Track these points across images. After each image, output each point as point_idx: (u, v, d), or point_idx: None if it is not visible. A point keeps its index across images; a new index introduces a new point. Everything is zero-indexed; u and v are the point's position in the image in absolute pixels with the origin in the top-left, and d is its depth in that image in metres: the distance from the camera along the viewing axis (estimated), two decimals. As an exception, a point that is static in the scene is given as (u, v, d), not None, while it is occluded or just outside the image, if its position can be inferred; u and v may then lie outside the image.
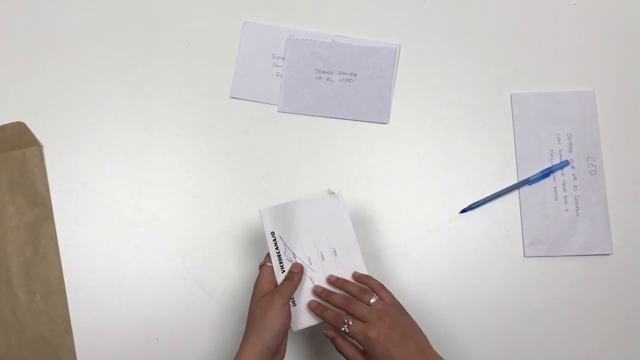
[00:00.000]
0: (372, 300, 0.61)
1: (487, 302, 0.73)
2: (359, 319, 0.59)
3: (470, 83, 0.79)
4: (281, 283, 0.63)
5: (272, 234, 0.66)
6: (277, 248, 0.65)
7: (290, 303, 0.63)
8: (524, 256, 0.74)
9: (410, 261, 0.74)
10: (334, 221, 0.66)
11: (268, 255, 0.65)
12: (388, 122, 0.78)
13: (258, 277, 0.64)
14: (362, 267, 0.65)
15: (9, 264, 0.75)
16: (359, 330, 0.58)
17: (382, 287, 0.63)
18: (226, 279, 0.74)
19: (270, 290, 0.62)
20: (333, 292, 0.64)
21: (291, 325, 0.62)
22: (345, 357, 0.61)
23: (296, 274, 0.63)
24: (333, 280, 0.64)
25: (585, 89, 0.78)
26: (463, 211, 0.75)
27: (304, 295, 0.64)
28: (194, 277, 0.75)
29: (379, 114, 0.78)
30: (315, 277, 0.65)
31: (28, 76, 0.80)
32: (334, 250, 0.65)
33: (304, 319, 0.63)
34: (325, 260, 0.65)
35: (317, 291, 0.64)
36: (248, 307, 0.62)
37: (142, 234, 0.76)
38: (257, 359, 0.58)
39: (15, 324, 0.73)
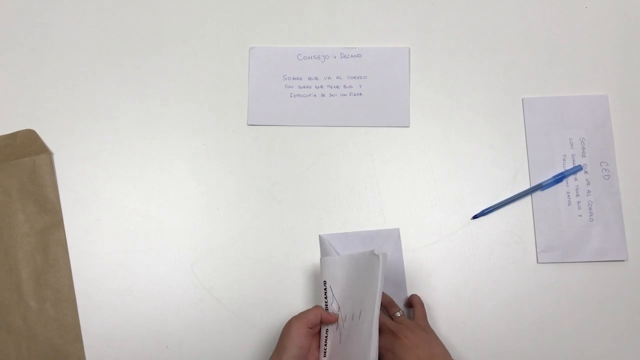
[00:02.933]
0: (397, 314, 0.67)
1: (500, 308, 0.72)
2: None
3: (481, 88, 0.78)
4: (309, 309, 0.66)
5: (325, 282, 0.68)
6: (325, 297, 0.67)
7: (322, 352, 0.65)
8: (537, 262, 0.73)
9: (422, 268, 0.74)
10: (369, 284, 0.64)
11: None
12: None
13: (309, 310, 0.66)
14: (373, 339, 0.61)
15: (19, 272, 0.75)
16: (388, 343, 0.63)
17: (419, 304, 0.69)
18: (236, 286, 0.74)
19: (307, 327, 0.64)
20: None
21: None
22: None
23: (331, 315, 0.66)
24: None
25: (598, 93, 0.77)
26: (475, 217, 0.74)
27: (329, 348, 0.65)
28: (204, 284, 0.74)
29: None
30: (338, 335, 0.65)
31: (38, 84, 0.81)
32: (360, 314, 0.64)
33: None
34: (353, 320, 0.65)
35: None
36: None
37: (151, 241, 0.76)
38: None
39: (26, 331, 0.73)
